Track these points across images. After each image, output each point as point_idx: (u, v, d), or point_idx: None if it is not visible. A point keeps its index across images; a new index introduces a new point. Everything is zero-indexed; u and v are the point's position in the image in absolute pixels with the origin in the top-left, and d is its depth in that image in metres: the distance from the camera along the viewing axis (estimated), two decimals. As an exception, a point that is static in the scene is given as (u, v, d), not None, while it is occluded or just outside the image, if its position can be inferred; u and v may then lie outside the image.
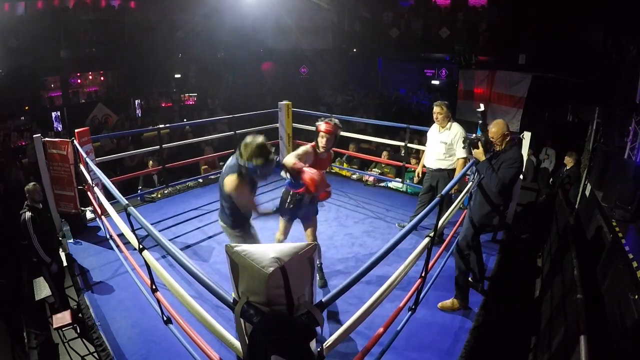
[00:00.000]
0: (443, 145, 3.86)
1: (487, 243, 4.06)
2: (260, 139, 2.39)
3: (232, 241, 2.60)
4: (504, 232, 4.26)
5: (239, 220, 2.61)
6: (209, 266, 3.64)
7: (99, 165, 4.18)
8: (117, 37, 10.36)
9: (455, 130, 3.81)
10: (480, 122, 3.21)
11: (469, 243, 3.03)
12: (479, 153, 2.93)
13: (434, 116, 3.88)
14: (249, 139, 2.38)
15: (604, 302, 3.13)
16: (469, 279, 3.14)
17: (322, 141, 2.92)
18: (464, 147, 3.52)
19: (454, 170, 3.84)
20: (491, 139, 2.92)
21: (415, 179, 4.57)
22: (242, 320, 1.28)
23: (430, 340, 2.77)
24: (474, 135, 3.05)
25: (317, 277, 3.38)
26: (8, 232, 4.44)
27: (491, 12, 9.72)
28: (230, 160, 2.50)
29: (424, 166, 4.21)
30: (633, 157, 4.50)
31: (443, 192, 2.51)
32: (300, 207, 3.03)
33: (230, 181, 2.38)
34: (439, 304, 3.11)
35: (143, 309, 2.99)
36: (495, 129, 2.91)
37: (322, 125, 2.91)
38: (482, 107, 3.30)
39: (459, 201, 3.31)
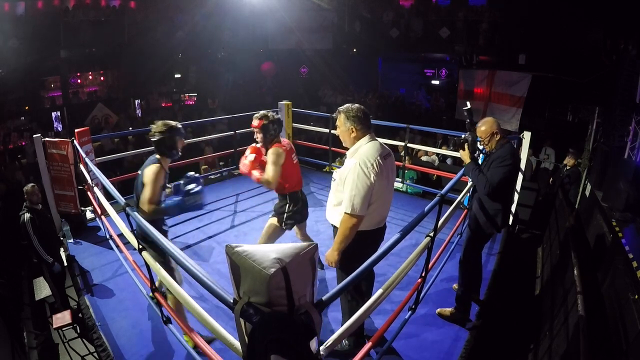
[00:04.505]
0: (333, 184, 2.37)
1: (487, 243, 4.05)
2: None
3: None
4: (503, 232, 4.26)
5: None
6: (209, 266, 3.64)
7: (99, 165, 4.18)
8: (117, 37, 10.35)
9: (355, 161, 2.15)
10: (468, 120, 2.91)
11: (469, 255, 2.88)
12: (464, 154, 2.72)
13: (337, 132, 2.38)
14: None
15: (604, 302, 3.14)
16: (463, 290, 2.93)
17: (255, 136, 2.95)
18: (451, 147, 3.15)
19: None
20: (479, 139, 2.69)
21: None
22: (242, 320, 1.28)
23: (430, 340, 2.77)
24: (463, 135, 2.84)
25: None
26: (8, 232, 4.45)
27: (491, 12, 9.73)
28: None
29: None
30: (633, 157, 4.51)
31: (443, 191, 2.46)
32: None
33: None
34: (437, 310, 3.01)
35: (143, 309, 3.00)
36: (484, 127, 2.67)
37: (253, 122, 2.92)
38: (468, 105, 3.01)
39: (459, 201, 3.29)
